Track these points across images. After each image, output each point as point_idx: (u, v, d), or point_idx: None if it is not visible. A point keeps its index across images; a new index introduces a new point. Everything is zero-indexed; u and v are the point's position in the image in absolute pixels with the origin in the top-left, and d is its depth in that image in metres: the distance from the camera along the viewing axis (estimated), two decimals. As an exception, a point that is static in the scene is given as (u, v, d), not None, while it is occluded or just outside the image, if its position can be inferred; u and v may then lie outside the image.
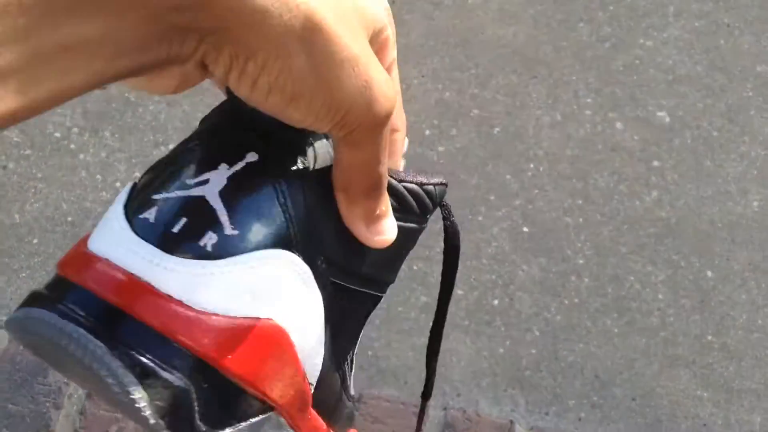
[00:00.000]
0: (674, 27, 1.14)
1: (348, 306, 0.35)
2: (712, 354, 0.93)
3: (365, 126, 0.28)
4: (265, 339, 0.30)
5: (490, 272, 0.96)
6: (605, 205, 1.02)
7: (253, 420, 0.32)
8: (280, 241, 0.30)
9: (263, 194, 0.30)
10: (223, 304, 0.29)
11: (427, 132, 1.06)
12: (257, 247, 0.30)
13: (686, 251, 0.99)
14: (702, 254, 0.99)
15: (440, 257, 0.40)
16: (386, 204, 0.32)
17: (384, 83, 0.27)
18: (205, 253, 0.29)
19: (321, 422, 0.35)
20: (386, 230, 0.33)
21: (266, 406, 0.32)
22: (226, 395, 0.31)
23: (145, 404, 0.27)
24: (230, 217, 0.29)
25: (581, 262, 0.98)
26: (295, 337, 0.31)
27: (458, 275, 0.38)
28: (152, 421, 0.28)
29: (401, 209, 0.34)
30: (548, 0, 1.16)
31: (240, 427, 0.32)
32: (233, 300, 0.30)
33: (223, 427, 0.30)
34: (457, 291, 0.95)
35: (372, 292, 0.36)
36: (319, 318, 0.32)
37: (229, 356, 0.29)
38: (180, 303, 0.28)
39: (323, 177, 0.32)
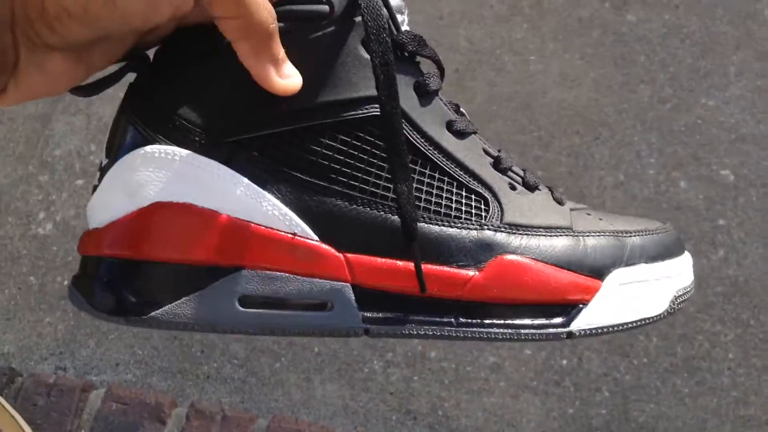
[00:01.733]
0: (736, 86, 1.15)
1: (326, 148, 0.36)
2: (787, 415, 0.92)
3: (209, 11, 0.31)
4: (158, 218, 0.34)
5: (557, 332, 0.98)
6: (671, 264, 1.03)
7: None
8: (133, 144, 0.35)
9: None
10: (100, 215, 0.35)
11: (492, 194, 1.09)
12: (117, 157, 0.35)
13: (755, 309, 0.99)
14: (772, 313, 0.99)
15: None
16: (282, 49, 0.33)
17: None
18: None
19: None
20: (293, 73, 0.33)
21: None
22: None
23: None
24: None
25: (649, 321, 0.99)
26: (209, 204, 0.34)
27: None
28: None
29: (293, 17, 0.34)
30: (609, 63, 1.19)
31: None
32: (112, 204, 0.35)
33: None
34: (525, 351, 0.96)
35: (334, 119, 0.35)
36: (220, 179, 0.34)
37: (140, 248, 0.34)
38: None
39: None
